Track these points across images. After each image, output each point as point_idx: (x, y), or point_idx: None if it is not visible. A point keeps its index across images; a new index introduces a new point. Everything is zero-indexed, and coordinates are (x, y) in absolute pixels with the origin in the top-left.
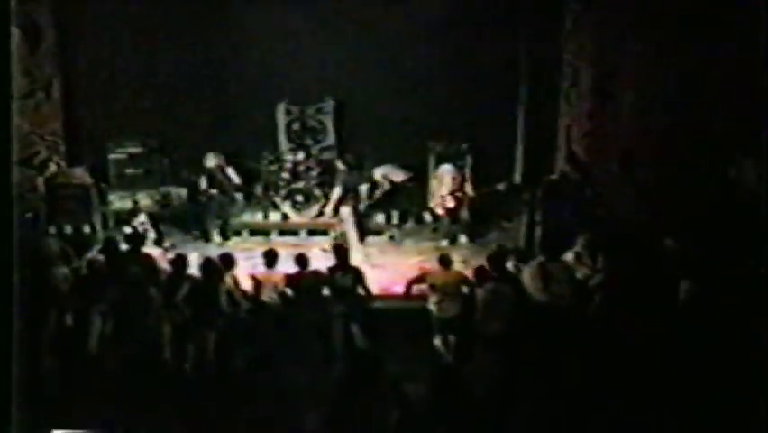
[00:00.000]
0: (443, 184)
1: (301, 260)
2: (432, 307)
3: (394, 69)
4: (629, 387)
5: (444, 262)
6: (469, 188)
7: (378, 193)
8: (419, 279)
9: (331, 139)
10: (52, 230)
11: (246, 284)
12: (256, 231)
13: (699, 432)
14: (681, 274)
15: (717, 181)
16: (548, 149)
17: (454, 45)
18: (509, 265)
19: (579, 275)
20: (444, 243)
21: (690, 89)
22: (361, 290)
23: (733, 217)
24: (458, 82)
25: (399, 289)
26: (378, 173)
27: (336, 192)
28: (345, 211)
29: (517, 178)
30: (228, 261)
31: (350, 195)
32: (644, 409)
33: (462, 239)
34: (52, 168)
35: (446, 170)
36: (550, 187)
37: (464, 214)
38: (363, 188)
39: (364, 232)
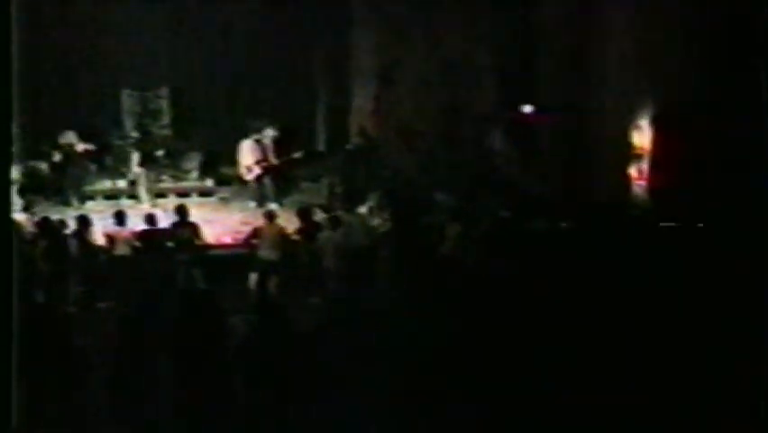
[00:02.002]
0: (245, 156)
1: (150, 219)
2: (261, 253)
3: (220, 60)
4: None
5: (269, 217)
6: (272, 158)
7: None
8: (253, 234)
9: (167, 119)
10: None
11: (101, 240)
12: (108, 196)
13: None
14: (448, 219)
15: (477, 149)
16: (344, 124)
17: (268, 40)
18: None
19: (372, 224)
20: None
21: (456, 76)
22: (198, 242)
23: (487, 176)
24: (271, 71)
25: (228, 239)
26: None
27: (134, 159)
28: (138, 171)
29: (321, 148)
30: (84, 221)
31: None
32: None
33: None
34: None
35: (245, 144)
36: (347, 155)
37: (267, 179)
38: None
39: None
